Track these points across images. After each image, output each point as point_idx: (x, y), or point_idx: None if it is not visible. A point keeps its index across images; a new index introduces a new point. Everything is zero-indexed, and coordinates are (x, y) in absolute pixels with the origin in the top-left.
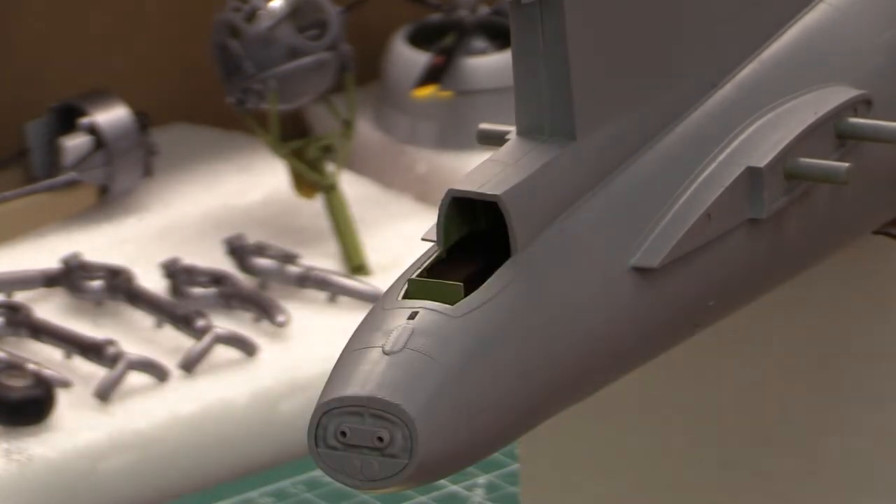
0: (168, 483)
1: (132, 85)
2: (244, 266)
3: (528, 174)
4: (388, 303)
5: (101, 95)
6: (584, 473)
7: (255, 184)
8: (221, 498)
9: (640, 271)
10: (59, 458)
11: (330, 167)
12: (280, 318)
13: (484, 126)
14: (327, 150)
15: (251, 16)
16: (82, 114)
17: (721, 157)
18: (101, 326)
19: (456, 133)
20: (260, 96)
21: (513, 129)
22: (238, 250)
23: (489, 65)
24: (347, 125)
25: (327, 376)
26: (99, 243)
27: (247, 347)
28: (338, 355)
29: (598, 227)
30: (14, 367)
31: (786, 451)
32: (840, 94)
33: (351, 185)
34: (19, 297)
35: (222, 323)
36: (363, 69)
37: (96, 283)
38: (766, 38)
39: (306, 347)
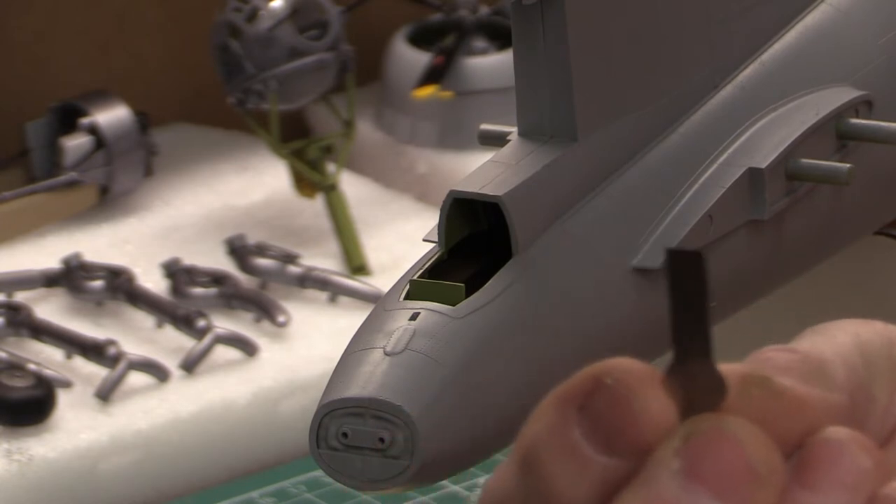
0: (168, 483)
1: (132, 85)
2: (245, 266)
3: (529, 175)
4: (390, 304)
5: (101, 95)
6: None
7: (256, 184)
8: (222, 498)
9: (642, 272)
10: (59, 458)
11: (330, 167)
12: (281, 319)
13: (485, 126)
14: (328, 151)
15: (252, 16)
16: (82, 114)
17: (722, 158)
18: (102, 326)
19: (456, 133)
20: (260, 96)
21: (514, 129)
22: (239, 250)
23: (489, 65)
24: (348, 125)
25: (328, 376)
26: (99, 243)
27: (247, 348)
28: (339, 356)
29: (600, 228)
30: (15, 367)
31: None
32: (841, 95)
33: (351, 185)
34: (20, 297)
35: (223, 323)
36: (363, 69)
37: (97, 284)
38: (768, 38)
39: (307, 348)
